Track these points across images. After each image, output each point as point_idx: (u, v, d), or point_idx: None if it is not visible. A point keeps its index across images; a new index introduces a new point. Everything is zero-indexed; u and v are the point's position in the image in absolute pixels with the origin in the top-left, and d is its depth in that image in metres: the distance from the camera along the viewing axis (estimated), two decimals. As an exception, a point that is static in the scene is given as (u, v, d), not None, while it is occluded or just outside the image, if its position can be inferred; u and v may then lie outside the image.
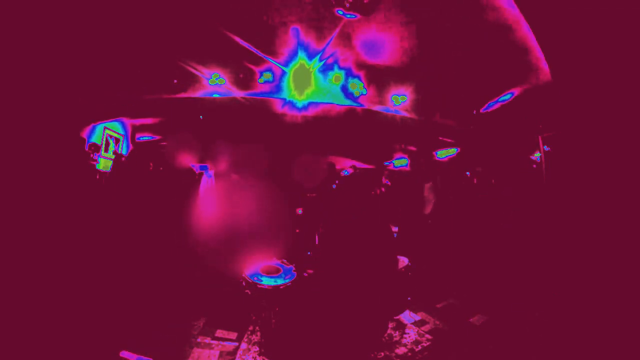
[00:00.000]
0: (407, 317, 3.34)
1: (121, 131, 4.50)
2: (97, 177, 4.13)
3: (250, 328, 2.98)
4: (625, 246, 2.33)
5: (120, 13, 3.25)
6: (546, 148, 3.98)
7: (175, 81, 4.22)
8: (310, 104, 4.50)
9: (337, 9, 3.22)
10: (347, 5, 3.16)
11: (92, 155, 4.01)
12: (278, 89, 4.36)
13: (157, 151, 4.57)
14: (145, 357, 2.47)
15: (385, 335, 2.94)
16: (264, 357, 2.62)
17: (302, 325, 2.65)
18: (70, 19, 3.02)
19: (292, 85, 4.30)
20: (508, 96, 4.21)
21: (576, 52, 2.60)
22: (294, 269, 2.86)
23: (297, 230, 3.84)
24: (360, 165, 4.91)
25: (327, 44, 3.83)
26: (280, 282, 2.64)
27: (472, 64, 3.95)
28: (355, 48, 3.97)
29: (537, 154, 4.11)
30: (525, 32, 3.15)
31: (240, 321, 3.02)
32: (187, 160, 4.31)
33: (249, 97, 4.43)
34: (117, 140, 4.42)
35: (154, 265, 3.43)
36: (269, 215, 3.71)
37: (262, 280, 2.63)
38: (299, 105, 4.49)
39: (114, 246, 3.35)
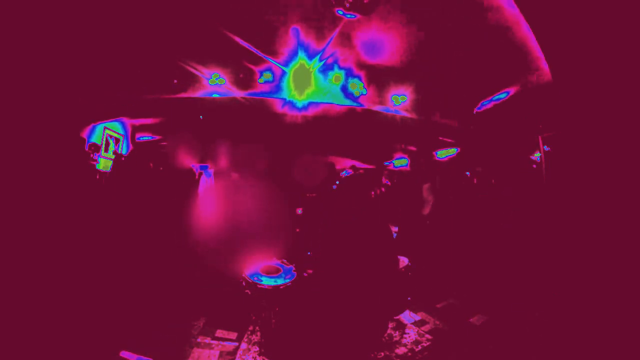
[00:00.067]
0: (407, 317, 3.34)
1: (121, 131, 4.50)
2: (97, 177, 4.13)
3: (250, 328, 2.98)
4: (625, 246, 2.33)
5: (120, 13, 3.25)
6: (546, 148, 3.98)
7: (175, 81, 4.22)
8: (310, 104, 4.50)
9: (337, 9, 3.22)
10: (347, 5, 3.16)
11: (92, 155, 4.01)
12: (278, 89, 4.36)
13: (157, 151, 4.57)
14: (145, 357, 2.47)
15: (385, 335, 2.94)
16: (264, 357, 2.62)
17: (302, 325, 2.65)
18: (70, 19, 3.02)
19: (292, 85, 4.30)
20: (503, 95, 4.21)
21: (576, 52, 2.60)
22: (294, 269, 2.86)
23: (297, 230, 3.84)
24: (360, 165, 4.91)
25: (327, 44, 3.83)
26: (280, 282, 2.64)
27: (472, 63, 3.96)
28: (355, 48, 3.97)
29: (537, 154, 4.11)
30: (525, 32, 3.15)
31: (240, 321, 3.02)
32: (187, 160, 4.30)
33: (249, 97, 4.43)
34: (117, 140, 4.42)
35: (154, 265, 3.43)
36: (268, 215, 3.71)
37: (262, 280, 2.63)
38: (299, 105, 4.49)
39: (114, 246, 3.35)
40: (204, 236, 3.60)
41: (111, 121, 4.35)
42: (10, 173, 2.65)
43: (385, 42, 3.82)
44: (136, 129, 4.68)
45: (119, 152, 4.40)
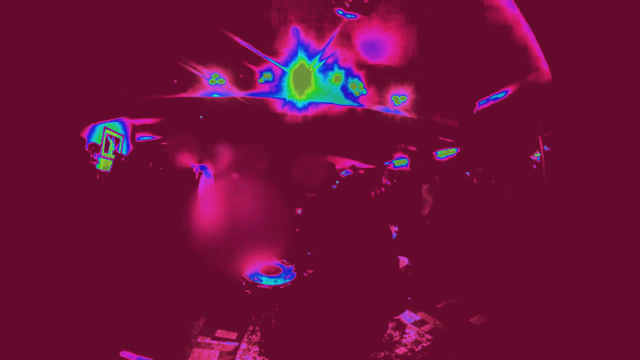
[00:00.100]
0: (407, 317, 3.34)
1: (121, 131, 4.51)
2: (97, 177, 4.14)
3: (250, 328, 2.97)
4: (625, 246, 2.33)
5: (120, 13, 3.25)
6: (546, 148, 3.97)
7: (175, 81, 4.22)
8: (310, 104, 4.50)
9: (337, 9, 3.22)
10: (347, 5, 3.16)
11: (92, 155, 4.02)
12: (278, 89, 4.36)
13: (157, 151, 4.57)
14: (145, 357, 2.47)
15: (385, 335, 2.94)
16: (264, 357, 2.62)
17: (302, 325, 2.65)
18: (71, 19, 3.02)
19: (292, 85, 4.30)
20: (503, 95, 4.21)
21: (576, 52, 2.60)
22: (294, 269, 2.86)
23: (297, 230, 3.84)
24: (360, 165, 4.91)
25: (327, 44, 3.83)
26: (280, 282, 2.64)
27: (472, 63, 3.96)
28: (355, 48, 3.97)
29: (537, 154, 4.11)
30: (525, 32, 3.15)
31: (240, 321, 3.02)
32: (187, 160, 4.30)
33: (249, 97, 4.43)
34: (117, 140, 4.42)
35: (154, 265, 3.43)
36: (268, 215, 3.71)
37: (262, 280, 2.63)
38: (299, 105, 4.49)
39: (114, 246, 3.35)
40: (204, 236, 3.60)
41: (111, 121, 4.35)
42: (11, 173, 2.65)
43: (385, 42, 3.82)
44: (136, 129, 4.68)
45: (119, 152, 4.40)
